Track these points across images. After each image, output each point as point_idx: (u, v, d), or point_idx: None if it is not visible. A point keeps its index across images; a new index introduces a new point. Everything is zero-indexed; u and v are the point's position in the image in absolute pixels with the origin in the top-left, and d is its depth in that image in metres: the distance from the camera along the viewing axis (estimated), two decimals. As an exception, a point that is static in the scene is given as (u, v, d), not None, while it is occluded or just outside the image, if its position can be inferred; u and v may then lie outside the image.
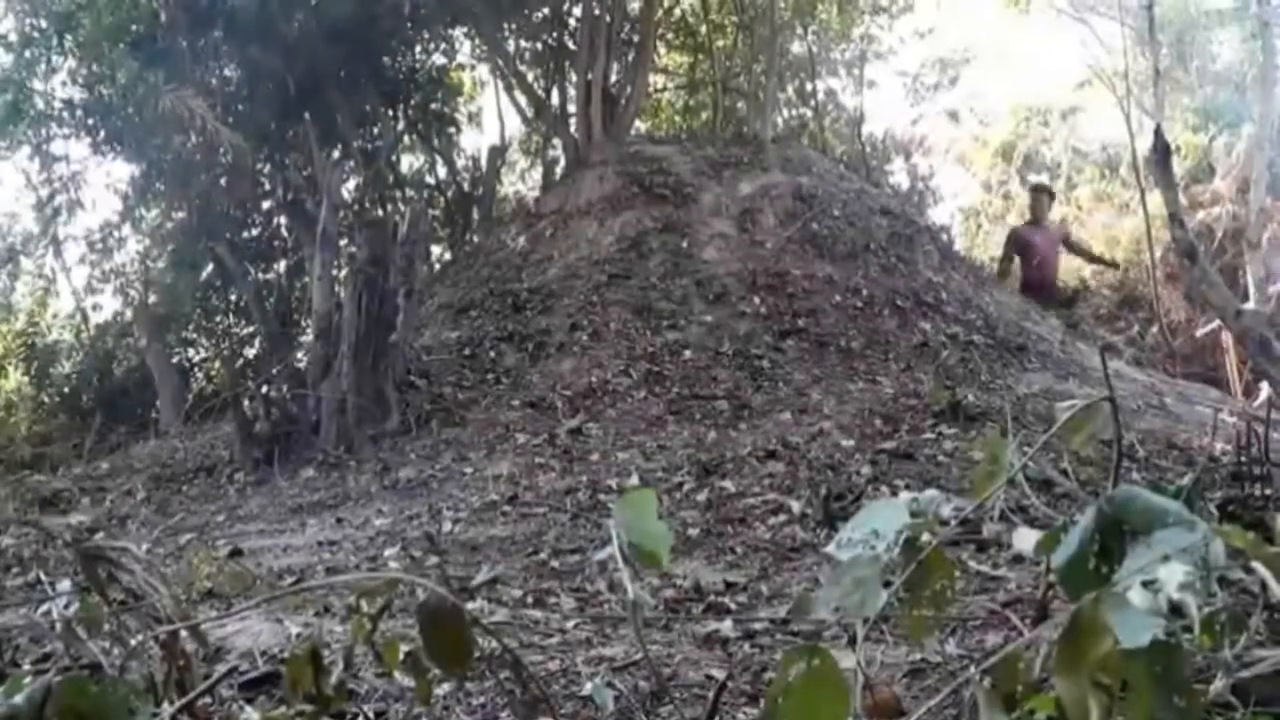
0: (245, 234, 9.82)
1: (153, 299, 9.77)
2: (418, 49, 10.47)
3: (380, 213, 9.66)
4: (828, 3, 12.07)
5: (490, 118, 11.22)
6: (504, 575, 2.76)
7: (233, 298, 9.94)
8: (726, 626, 2.14)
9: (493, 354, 6.30)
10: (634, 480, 4.16)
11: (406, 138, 11.03)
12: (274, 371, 6.64)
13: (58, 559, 3.46)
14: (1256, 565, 0.94)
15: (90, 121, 8.94)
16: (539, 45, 10.96)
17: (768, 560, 2.96)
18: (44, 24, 8.74)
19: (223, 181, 9.24)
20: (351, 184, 9.85)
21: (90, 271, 10.41)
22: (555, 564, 3.06)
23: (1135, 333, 10.63)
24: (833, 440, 4.51)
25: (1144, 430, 4.62)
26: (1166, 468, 3.87)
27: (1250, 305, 5.66)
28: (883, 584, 1.08)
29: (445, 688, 1.58)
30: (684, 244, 7.44)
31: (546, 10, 10.57)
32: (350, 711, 1.48)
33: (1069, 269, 11.56)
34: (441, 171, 11.14)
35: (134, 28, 8.33)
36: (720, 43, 11.86)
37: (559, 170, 10.42)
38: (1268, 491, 2.48)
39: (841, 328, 6.35)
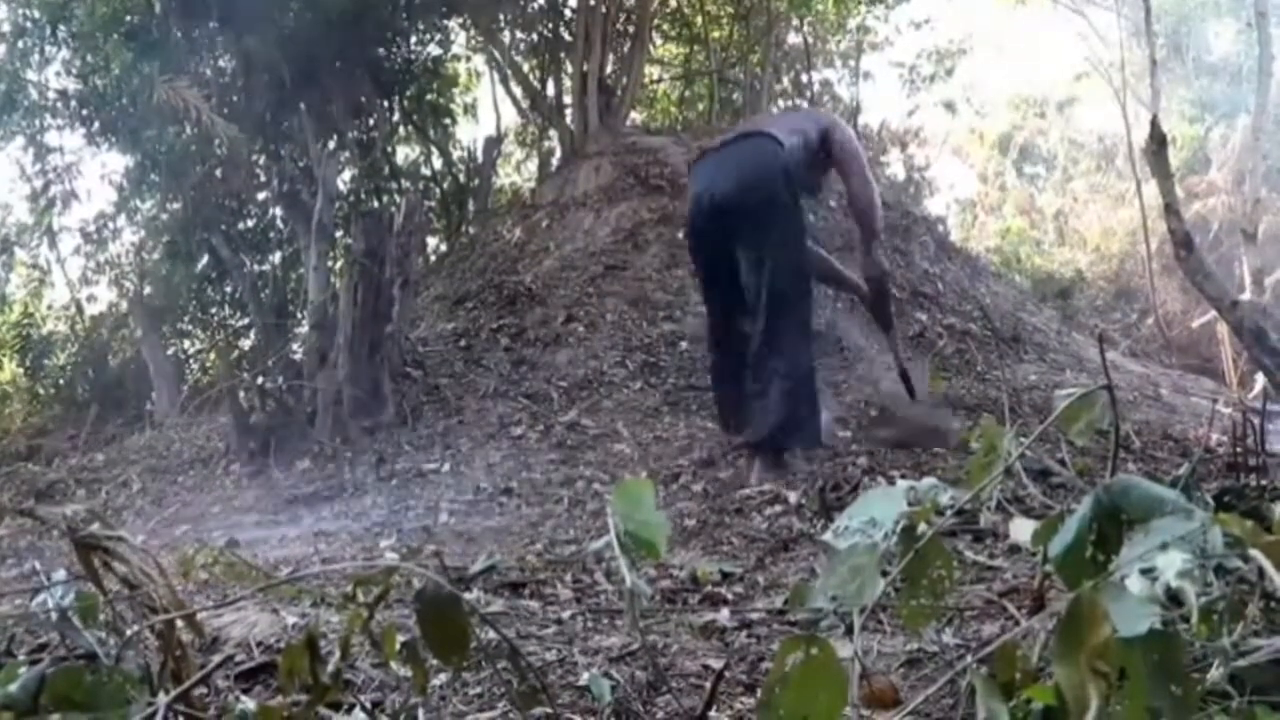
0: (241, 225, 9.77)
1: (148, 290, 9.73)
2: (413, 40, 10.42)
3: (376, 204, 9.64)
4: (824, -7, 12.04)
5: (486, 109, 11.18)
6: (500, 565, 2.76)
7: (228, 289, 9.91)
8: (724, 616, 2.14)
9: (488, 345, 6.29)
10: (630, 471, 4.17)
11: (402, 129, 10.99)
12: (269, 363, 6.63)
13: (53, 549, 3.46)
14: (1254, 553, 0.94)
15: (84, 112, 8.90)
16: (534, 36, 10.93)
17: (764, 550, 2.96)
18: (37, 14, 8.69)
19: (218, 173, 9.21)
20: (347, 175, 9.81)
21: (85, 263, 10.38)
22: (552, 555, 3.06)
23: (1131, 323, 10.66)
24: (829, 431, 4.50)
25: (1140, 421, 4.63)
26: (1162, 458, 3.88)
27: (1246, 296, 5.67)
28: (880, 573, 1.08)
29: (442, 677, 1.57)
30: (680, 235, 7.42)
31: (542, 1, 10.55)
32: (346, 701, 1.48)
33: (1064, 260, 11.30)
34: (437, 163, 11.11)
35: (128, 18, 8.28)
36: (716, 34, 11.84)
37: (555, 162, 10.40)
38: (1263, 482, 2.48)
39: (837, 318, 6.34)
